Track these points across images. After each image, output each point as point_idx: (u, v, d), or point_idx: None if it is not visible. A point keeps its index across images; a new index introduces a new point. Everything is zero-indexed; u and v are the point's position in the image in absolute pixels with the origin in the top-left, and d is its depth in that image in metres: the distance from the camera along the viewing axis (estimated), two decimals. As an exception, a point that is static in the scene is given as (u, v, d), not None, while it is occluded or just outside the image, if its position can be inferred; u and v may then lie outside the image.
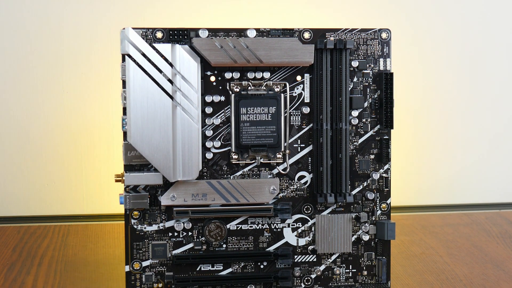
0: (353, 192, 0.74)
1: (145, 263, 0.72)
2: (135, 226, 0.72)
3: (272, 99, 0.72)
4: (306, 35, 0.72)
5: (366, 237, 0.74)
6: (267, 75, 0.71)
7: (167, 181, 0.70)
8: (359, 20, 1.09)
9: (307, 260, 0.74)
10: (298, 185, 0.73)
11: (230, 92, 0.71)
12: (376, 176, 0.74)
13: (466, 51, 1.13)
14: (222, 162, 0.72)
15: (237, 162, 0.72)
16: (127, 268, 0.72)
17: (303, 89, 0.72)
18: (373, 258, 0.75)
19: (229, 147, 0.72)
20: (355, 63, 0.73)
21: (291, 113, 0.73)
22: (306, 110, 0.73)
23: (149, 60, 0.68)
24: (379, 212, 0.74)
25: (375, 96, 0.73)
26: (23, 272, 0.82)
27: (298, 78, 0.72)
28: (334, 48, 0.72)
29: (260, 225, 0.73)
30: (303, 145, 0.73)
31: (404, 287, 0.78)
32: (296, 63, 0.71)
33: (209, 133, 0.71)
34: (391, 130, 0.74)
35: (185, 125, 0.69)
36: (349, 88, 0.73)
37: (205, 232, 0.72)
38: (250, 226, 0.73)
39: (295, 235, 0.74)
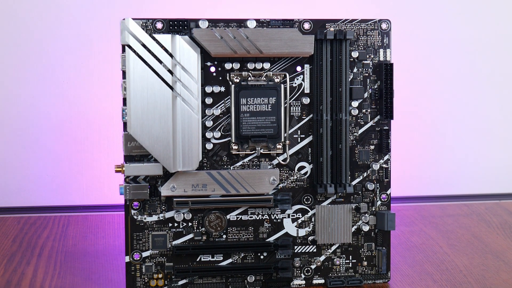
0: (353, 183, 0.74)
1: (145, 254, 0.72)
2: (135, 217, 0.72)
3: (272, 89, 0.71)
4: (306, 25, 0.72)
5: (366, 228, 0.74)
6: (267, 65, 0.71)
7: (167, 171, 0.70)
8: (359, 10, 1.08)
9: (307, 251, 0.74)
10: (298, 176, 0.73)
11: (230, 83, 0.71)
12: (376, 166, 0.74)
13: (466, 41, 1.13)
14: (222, 153, 0.72)
15: (237, 152, 0.72)
16: (127, 259, 0.72)
17: (303, 80, 0.72)
18: (373, 249, 0.75)
19: (229, 138, 0.72)
20: (355, 54, 0.73)
21: (291, 103, 0.72)
22: (306, 100, 0.72)
23: (149, 50, 0.68)
24: (379, 202, 0.75)
25: (375, 86, 0.73)
26: (23, 262, 0.82)
27: (298, 68, 0.72)
28: (334, 38, 0.71)
29: (260, 215, 0.73)
30: (303, 136, 0.73)
31: (404, 278, 0.78)
32: (296, 53, 0.71)
33: (209, 123, 0.71)
34: (391, 120, 0.74)
35: (185, 115, 0.69)
36: (349, 79, 0.73)
37: (205, 223, 0.72)
38: (250, 217, 0.73)
39: (295, 226, 0.74)
